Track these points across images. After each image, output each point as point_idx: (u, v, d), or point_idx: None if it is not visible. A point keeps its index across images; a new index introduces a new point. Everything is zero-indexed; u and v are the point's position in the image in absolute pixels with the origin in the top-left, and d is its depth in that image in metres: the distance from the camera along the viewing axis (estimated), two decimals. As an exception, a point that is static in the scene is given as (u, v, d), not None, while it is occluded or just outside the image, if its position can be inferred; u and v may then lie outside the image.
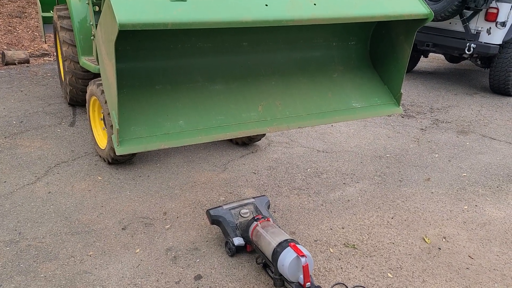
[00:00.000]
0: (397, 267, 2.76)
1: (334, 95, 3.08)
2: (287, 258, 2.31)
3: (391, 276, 2.68)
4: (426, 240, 3.06)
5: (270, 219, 2.75)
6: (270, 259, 2.45)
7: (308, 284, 2.27)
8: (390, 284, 2.61)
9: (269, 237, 2.51)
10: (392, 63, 3.12)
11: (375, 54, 3.27)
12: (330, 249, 2.92)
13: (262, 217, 2.72)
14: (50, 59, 7.52)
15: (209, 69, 2.81)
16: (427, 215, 3.38)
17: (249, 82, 2.72)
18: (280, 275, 2.39)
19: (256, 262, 2.70)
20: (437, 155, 4.53)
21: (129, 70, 2.67)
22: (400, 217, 3.34)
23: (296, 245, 2.37)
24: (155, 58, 2.76)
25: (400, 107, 3.23)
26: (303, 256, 2.28)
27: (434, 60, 9.28)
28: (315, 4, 2.43)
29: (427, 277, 2.69)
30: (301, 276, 2.29)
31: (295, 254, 2.30)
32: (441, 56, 9.01)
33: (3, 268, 2.57)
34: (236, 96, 2.76)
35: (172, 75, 2.68)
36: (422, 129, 5.28)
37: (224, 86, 2.66)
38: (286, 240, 2.42)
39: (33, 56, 7.49)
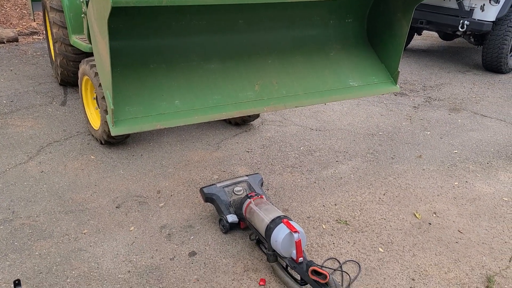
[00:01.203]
0: (388, 242, 2.81)
1: (331, 73, 3.04)
2: (280, 234, 2.35)
3: (382, 251, 2.73)
4: (416, 215, 3.11)
5: (264, 196, 2.77)
6: (264, 235, 2.49)
7: (300, 259, 2.31)
8: (381, 259, 2.66)
9: (262, 214, 2.53)
10: (389, 41, 3.08)
11: (373, 31, 3.24)
12: (323, 225, 2.96)
13: (256, 195, 2.75)
14: (39, 37, 7.39)
15: (204, 47, 2.76)
16: (418, 191, 3.42)
17: (246, 61, 2.66)
18: (273, 250, 2.42)
19: (250, 238, 2.73)
20: (429, 132, 4.56)
21: (122, 49, 2.61)
22: (392, 193, 3.38)
23: (289, 221, 2.39)
24: (149, 36, 2.71)
25: (398, 85, 3.21)
26: (296, 232, 2.31)
27: (427, 37, 9.25)
28: None
29: (417, 251, 2.75)
30: (294, 251, 2.33)
31: (288, 230, 2.33)
32: (435, 34, 8.98)
33: (-2, 246, 2.59)
34: (232, 75, 2.72)
35: (167, 54, 2.62)
36: (414, 107, 5.30)
37: (220, 65, 2.61)
38: (279, 217, 2.45)
39: (22, 35, 7.35)
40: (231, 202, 2.83)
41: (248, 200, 2.71)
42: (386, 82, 3.20)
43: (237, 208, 2.78)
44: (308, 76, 2.94)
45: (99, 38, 2.25)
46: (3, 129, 4.05)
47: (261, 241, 2.62)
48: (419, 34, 8.14)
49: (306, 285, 2.33)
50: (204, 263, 2.56)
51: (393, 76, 3.19)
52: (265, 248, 2.57)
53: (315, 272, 2.20)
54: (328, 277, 2.17)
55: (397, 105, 5.33)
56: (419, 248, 2.78)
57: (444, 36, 8.40)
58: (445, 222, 3.05)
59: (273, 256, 2.45)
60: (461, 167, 3.85)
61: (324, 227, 2.93)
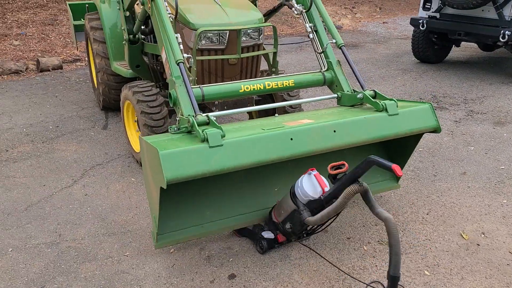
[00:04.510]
0: (434, 264, 2.70)
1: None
2: (299, 181, 2.47)
3: (428, 274, 2.62)
4: (463, 236, 2.98)
5: None
6: (292, 201, 2.52)
7: (326, 188, 2.40)
8: (427, 282, 2.56)
9: (286, 195, 2.61)
10: (398, 149, 3.18)
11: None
12: (364, 246, 2.88)
13: None
14: (81, 64, 7.73)
15: None
16: (464, 210, 3.29)
17: (268, 166, 2.70)
18: (304, 205, 2.46)
19: (286, 229, 2.66)
20: (472, 147, 4.40)
21: None
22: (436, 212, 3.26)
23: None
24: None
25: (399, 183, 3.32)
26: (312, 170, 2.45)
27: (466, 49, 8.99)
28: (335, 131, 2.61)
29: (466, 274, 2.62)
30: (319, 188, 2.39)
31: (304, 175, 2.47)
32: (474, 45, 8.71)
33: (46, 269, 2.67)
34: (255, 182, 2.88)
35: None
36: (456, 121, 5.13)
37: (245, 171, 2.69)
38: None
39: (66, 62, 7.71)
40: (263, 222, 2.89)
41: (274, 204, 2.78)
42: (389, 180, 3.28)
43: (268, 220, 2.81)
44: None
45: (152, 186, 2.42)
46: (50, 154, 4.24)
47: (293, 224, 2.60)
48: (457, 46, 7.93)
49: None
50: (244, 285, 2.54)
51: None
52: (304, 233, 2.67)
53: (335, 167, 2.32)
54: (346, 165, 2.30)
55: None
56: (467, 270, 2.65)
57: (484, 47, 8.16)
58: (494, 243, 2.90)
59: (306, 211, 2.48)
60: (509, 183, 3.67)
61: (366, 249, 2.86)
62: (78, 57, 7.99)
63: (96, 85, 5.37)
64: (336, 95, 3.24)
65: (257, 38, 3.58)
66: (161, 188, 2.22)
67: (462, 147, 4.40)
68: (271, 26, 3.57)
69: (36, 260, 2.75)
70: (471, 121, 5.13)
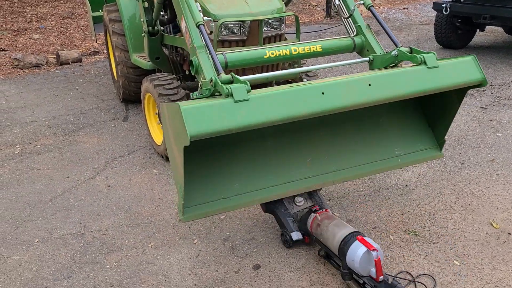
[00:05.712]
0: (463, 254, 2.63)
1: (378, 143, 2.94)
2: (357, 252, 2.23)
3: (458, 264, 2.55)
4: (494, 225, 2.90)
5: (329, 210, 2.67)
6: (337, 253, 2.38)
7: (381, 277, 2.19)
8: (457, 272, 2.49)
9: (332, 230, 2.44)
10: (440, 112, 2.97)
11: (424, 99, 3.09)
12: (390, 236, 2.82)
13: (320, 209, 2.66)
14: (101, 56, 7.78)
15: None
16: (493, 199, 3.19)
17: (298, 135, 2.60)
18: (349, 269, 2.32)
19: (319, 254, 2.64)
20: (500, 134, 4.26)
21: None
22: (464, 201, 3.17)
23: (364, 237, 2.28)
24: None
25: (442, 151, 3.06)
26: (374, 250, 2.20)
27: (490, 33, 8.72)
28: (370, 85, 2.39)
29: (498, 264, 2.54)
30: (373, 269, 2.21)
31: (365, 249, 2.22)
32: (499, 29, 8.43)
33: (72, 259, 2.70)
34: (286, 151, 2.72)
35: (229, 135, 2.67)
36: (482, 107, 4.98)
37: (275, 141, 2.58)
38: (352, 233, 2.35)
39: (85, 55, 7.76)
40: (293, 214, 2.77)
41: (313, 215, 2.62)
42: (431, 149, 3.04)
43: (301, 223, 2.70)
44: (356, 147, 2.90)
45: (175, 151, 2.29)
46: (72, 146, 4.27)
47: (331, 255, 2.53)
48: (482, 30, 7.69)
49: None
50: (269, 276, 2.52)
51: (439, 143, 3.05)
52: (337, 264, 2.48)
53: None
54: None
55: (462, 106, 5.02)
56: (499, 260, 2.57)
57: (509, 30, 7.89)
58: (527, 232, 2.81)
59: (349, 274, 2.34)
60: (541, 171, 3.55)
61: (392, 239, 2.80)
62: (97, 50, 8.04)
63: (116, 78, 5.39)
64: (367, 58, 2.98)
65: (278, 28, 3.50)
66: (186, 156, 2.09)
67: (489, 134, 4.27)
68: (293, 15, 3.49)
69: (62, 250, 2.78)
70: (498, 107, 4.97)
